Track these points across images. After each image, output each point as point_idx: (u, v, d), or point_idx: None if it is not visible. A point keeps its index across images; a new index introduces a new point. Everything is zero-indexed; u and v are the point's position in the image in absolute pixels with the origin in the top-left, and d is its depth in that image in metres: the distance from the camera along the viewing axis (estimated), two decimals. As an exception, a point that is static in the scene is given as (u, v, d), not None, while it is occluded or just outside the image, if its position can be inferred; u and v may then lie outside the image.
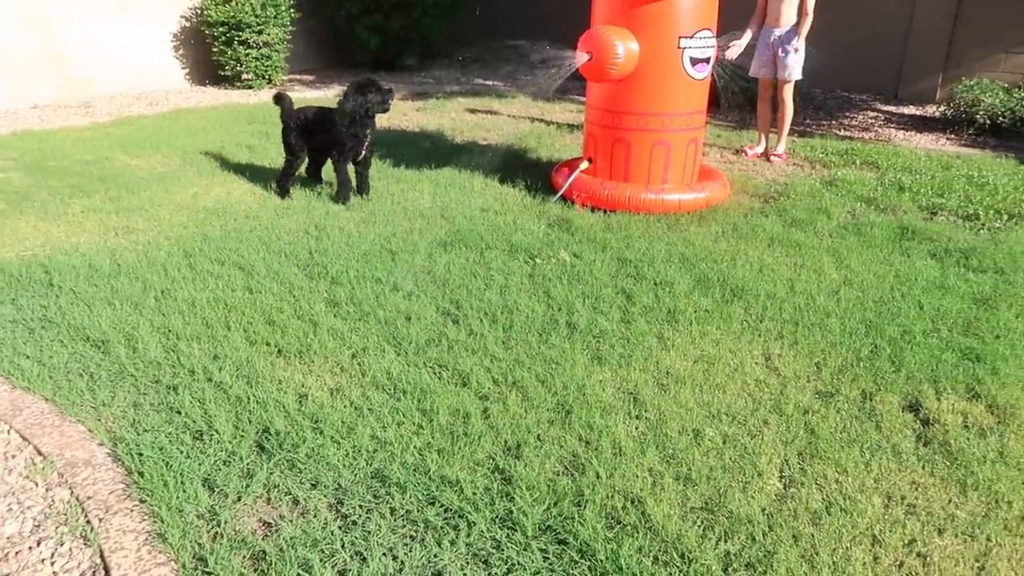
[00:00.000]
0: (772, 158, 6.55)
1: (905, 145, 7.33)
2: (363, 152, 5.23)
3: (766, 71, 6.44)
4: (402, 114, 8.53)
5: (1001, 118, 7.52)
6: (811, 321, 3.59)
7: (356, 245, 4.46)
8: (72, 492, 2.47)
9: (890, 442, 2.73)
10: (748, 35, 6.26)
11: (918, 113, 8.94)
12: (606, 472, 2.52)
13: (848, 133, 7.85)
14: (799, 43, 6.13)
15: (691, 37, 4.92)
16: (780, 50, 6.23)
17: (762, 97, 6.65)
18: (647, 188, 5.09)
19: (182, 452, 2.60)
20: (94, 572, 2.16)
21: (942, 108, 8.39)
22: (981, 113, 7.59)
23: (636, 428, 2.78)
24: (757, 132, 6.93)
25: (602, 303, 3.75)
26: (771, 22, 6.27)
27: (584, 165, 5.36)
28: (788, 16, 6.17)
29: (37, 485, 2.50)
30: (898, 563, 2.18)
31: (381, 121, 8.06)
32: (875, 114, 8.88)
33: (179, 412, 2.82)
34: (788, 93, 6.40)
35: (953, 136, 7.74)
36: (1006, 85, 7.94)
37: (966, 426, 2.83)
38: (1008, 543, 2.26)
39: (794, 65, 6.23)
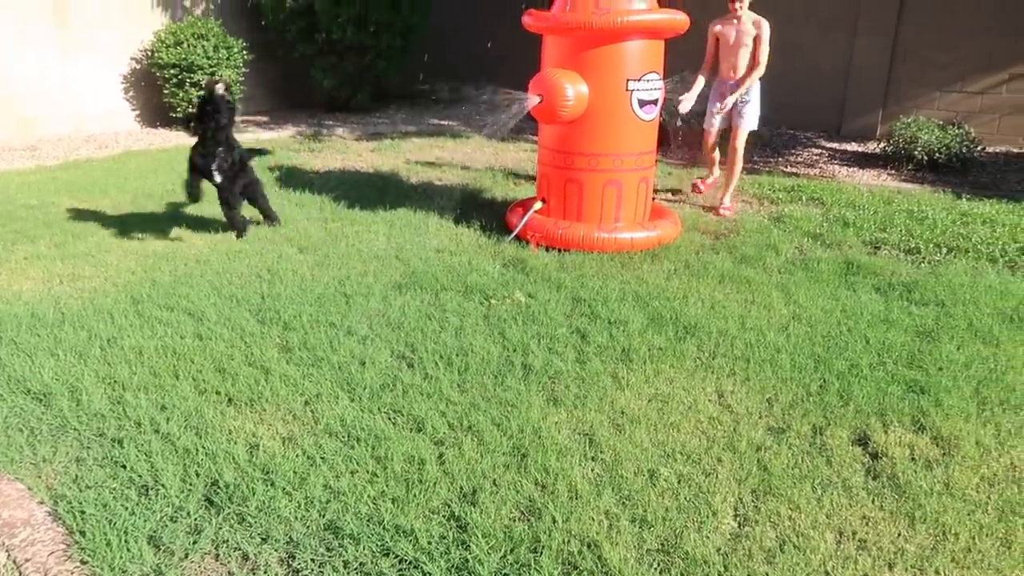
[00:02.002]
0: (721, 211, 6.21)
1: (848, 181, 7.57)
2: (215, 176, 5.05)
3: (719, 122, 6.30)
4: (356, 155, 8.54)
5: (937, 154, 7.82)
6: (762, 357, 3.65)
7: (310, 289, 4.42)
8: (9, 555, 2.37)
9: (841, 477, 2.77)
10: (699, 83, 6.15)
11: (860, 150, 9.25)
12: (562, 516, 2.51)
13: (794, 170, 8.08)
14: (751, 94, 6.05)
15: (639, 80, 5.04)
16: (739, 101, 6.08)
17: (707, 144, 6.51)
18: (600, 227, 5.16)
19: (127, 509, 2.52)
20: (31, 640, 2.07)
21: (882, 144, 8.70)
22: (919, 150, 7.89)
23: (592, 470, 2.79)
24: (707, 167, 6.84)
25: (557, 343, 3.76)
26: (725, 73, 6.15)
27: (538, 205, 5.42)
28: (743, 68, 6.05)
29: (-29, 549, 2.40)
30: (851, 599, 2.20)
31: (335, 162, 8.07)
32: (819, 151, 9.17)
33: (124, 466, 2.74)
34: (741, 141, 6.22)
35: (894, 172, 8.02)
36: (941, 122, 8.27)
37: (913, 459, 2.89)
38: (956, 575, 2.30)
39: (750, 115, 6.15)
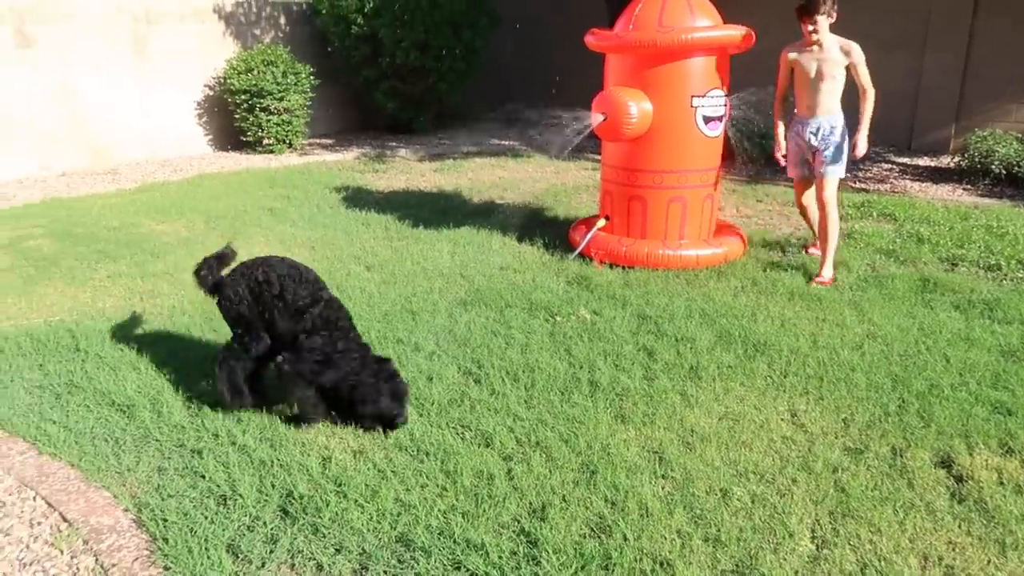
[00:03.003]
0: (816, 280, 4.89)
1: (921, 196, 7.34)
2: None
3: (802, 171, 5.16)
4: (420, 175, 8.68)
5: (1017, 168, 7.52)
6: (836, 376, 3.55)
7: (377, 306, 4.49)
8: (97, 560, 2.46)
9: (923, 500, 2.67)
10: (780, 129, 5.20)
11: (933, 164, 8.97)
12: (633, 534, 2.48)
13: (864, 186, 7.87)
14: (836, 132, 4.92)
15: (703, 96, 5.00)
16: (821, 145, 4.94)
17: (799, 198, 5.34)
18: (664, 244, 5.12)
19: (206, 517, 2.59)
20: (118, 643, 2.14)
21: (956, 159, 8.41)
22: (996, 163, 7.61)
23: (662, 488, 2.75)
24: (809, 227, 5.52)
25: (623, 360, 3.74)
26: (803, 111, 5.04)
27: (601, 223, 5.41)
28: (827, 105, 4.93)
29: (62, 553, 2.50)
30: (939, 627, 2.11)
31: (399, 183, 8.22)
32: (890, 166, 8.92)
33: (203, 476, 2.82)
34: (831, 193, 4.93)
35: (969, 186, 7.74)
36: (1019, 135, 7.97)
37: (1001, 483, 2.76)
38: (1053, 605, 2.19)
39: (837, 158, 4.91)
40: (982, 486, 2.73)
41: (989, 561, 2.37)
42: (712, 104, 5.06)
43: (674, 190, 5.12)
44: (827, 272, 4.94)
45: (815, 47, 4.88)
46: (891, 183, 8.02)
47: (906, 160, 9.24)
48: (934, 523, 2.55)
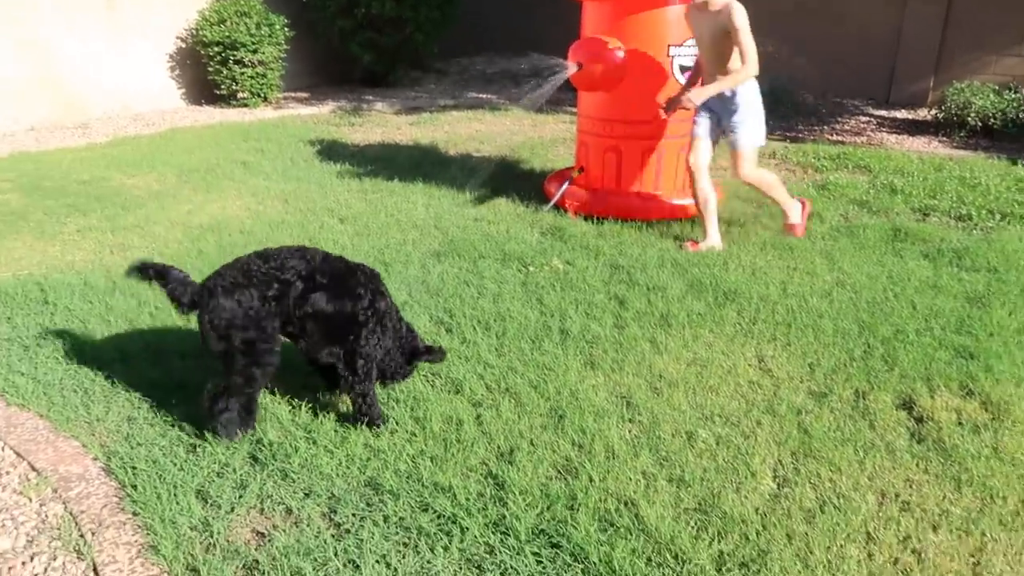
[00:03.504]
0: (790, 227, 4.81)
1: (897, 148, 7.36)
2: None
3: (698, 129, 4.70)
4: (396, 128, 8.57)
5: (992, 120, 7.54)
6: (804, 323, 3.59)
7: (350, 257, 4.45)
8: (66, 507, 2.47)
9: (884, 440, 2.73)
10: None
11: (910, 117, 8.97)
12: (599, 475, 2.51)
13: (840, 138, 7.88)
14: (740, 101, 4.48)
15: (680, 45, 4.95)
16: (724, 116, 4.58)
17: (687, 155, 4.76)
18: (639, 195, 5.11)
19: (175, 465, 2.60)
20: (87, 585, 2.16)
21: (934, 111, 8.42)
22: (972, 115, 7.62)
23: (629, 431, 2.79)
24: (701, 219, 4.76)
25: (595, 309, 3.75)
26: (704, 76, 4.69)
27: (576, 173, 5.38)
28: (723, 72, 4.45)
29: (31, 500, 2.50)
30: (893, 560, 2.18)
31: (374, 136, 8.12)
32: (867, 119, 8.92)
33: (172, 425, 2.82)
34: (749, 170, 4.63)
35: (945, 139, 7.77)
36: (996, 87, 7.97)
37: (960, 423, 2.82)
38: (1003, 538, 2.26)
39: (746, 130, 4.53)
40: (941, 427, 2.79)
41: (944, 497, 2.43)
42: (689, 54, 5.01)
43: (649, 140, 5.09)
44: (794, 216, 4.79)
45: (706, 6, 4.36)
46: (868, 135, 8.03)
47: (884, 113, 9.24)
48: (893, 462, 2.61)
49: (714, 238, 4.65)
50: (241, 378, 2.64)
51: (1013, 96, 7.70)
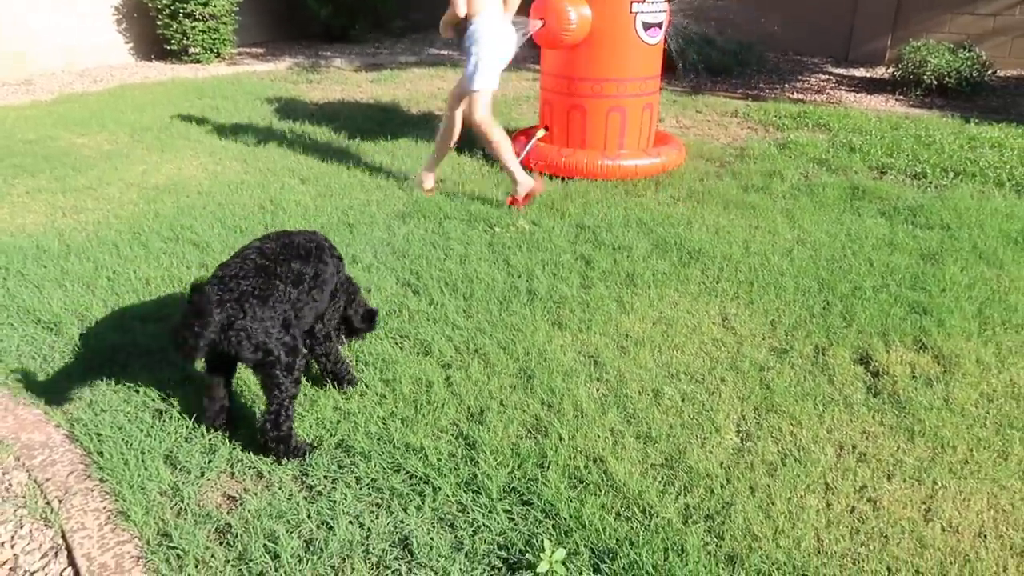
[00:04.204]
0: (511, 201, 4.62)
1: (856, 107, 7.45)
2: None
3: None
4: (356, 86, 8.40)
5: (947, 78, 7.67)
6: (766, 281, 3.66)
7: (313, 219, 4.41)
8: (30, 475, 2.43)
9: (842, 394, 2.81)
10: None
11: (868, 75, 9.08)
12: (568, 434, 2.56)
13: (801, 96, 7.94)
14: (471, 42, 4.45)
15: (643, 2, 4.91)
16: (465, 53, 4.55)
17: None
18: (604, 154, 5.11)
19: (142, 431, 2.58)
20: (56, 552, 2.14)
21: (891, 70, 8.53)
22: (928, 74, 7.74)
23: (597, 390, 2.83)
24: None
25: (561, 269, 3.77)
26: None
27: (541, 133, 5.36)
28: (472, 9, 4.40)
29: (-7, 470, 2.46)
30: (849, 508, 2.26)
31: (334, 94, 7.95)
32: (827, 77, 9.00)
33: (137, 391, 2.78)
34: (478, 116, 4.54)
35: (902, 97, 7.89)
36: (951, 45, 8.09)
37: (914, 376, 2.92)
38: (953, 485, 2.36)
39: (471, 76, 4.48)
40: (896, 380, 2.88)
41: (898, 448, 2.53)
42: (652, 11, 4.98)
43: (613, 99, 5.07)
44: (521, 189, 4.54)
45: None
46: (827, 94, 8.11)
47: (843, 71, 9.33)
48: (850, 415, 2.70)
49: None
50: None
51: (967, 55, 7.83)
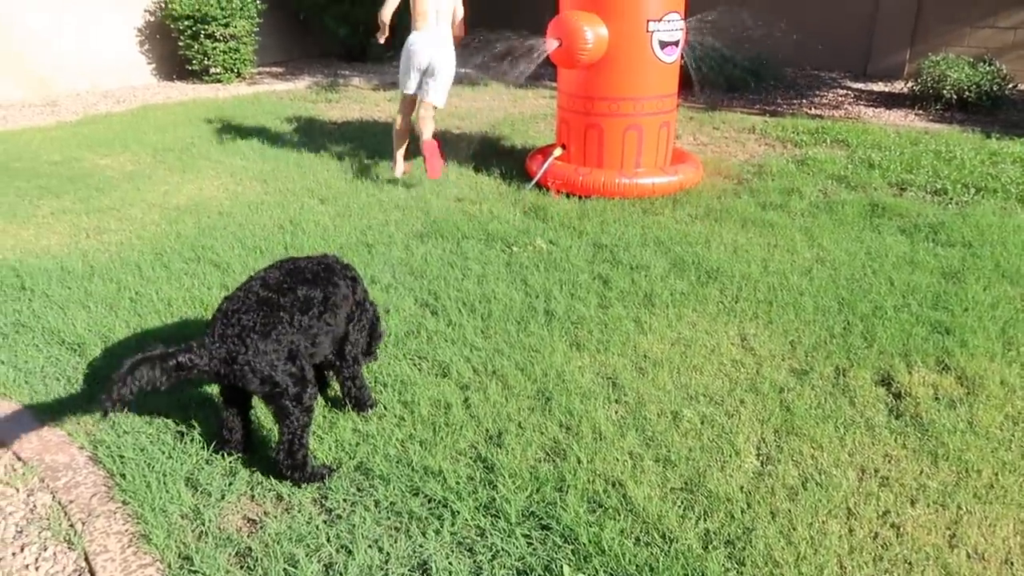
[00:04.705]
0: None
1: (874, 122, 7.42)
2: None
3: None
4: (374, 104, 8.48)
5: (967, 93, 7.62)
6: (785, 300, 3.64)
7: (332, 239, 4.44)
8: (54, 496, 2.46)
9: (863, 416, 2.78)
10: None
11: (887, 90, 9.04)
12: (587, 457, 2.55)
13: (819, 112, 7.92)
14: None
15: (659, 20, 4.93)
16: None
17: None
18: (621, 173, 5.12)
19: (164, 453, 2.60)
20: (79, 575, 2.16)
21: (910, 84, 8.49)
22: (948, 88, 7.69)
23: (616, 412, 2.82)
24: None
25: (579, 289, 3.77)
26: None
27: (558, 152, 5.38)
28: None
29: (18, 491, 2.49)
30: (872, 534, 2.24)
31: (352, 112, 8.03)
32: (845, 92, 8.97)
33: (159, 413, 2.81)
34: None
35: (921, 112, 7.84)
36: (971, 59, 8.04)
37: (936, 398, 2.89)
38: (978, 511, 2.32)
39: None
40: (918, 402, 2.85)
41: (922, 471, 2.50)
42: (668, 29, 5.00)
43: (630, 117, 5.09)
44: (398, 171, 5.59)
45: None
46: (845, 109, 8.08)
47: (861, 86, 9.29)
48: (872, 438, 2.67)
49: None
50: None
51: (987, 68, 7.78)
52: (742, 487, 2.42)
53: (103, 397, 2.17)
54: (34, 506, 2.43)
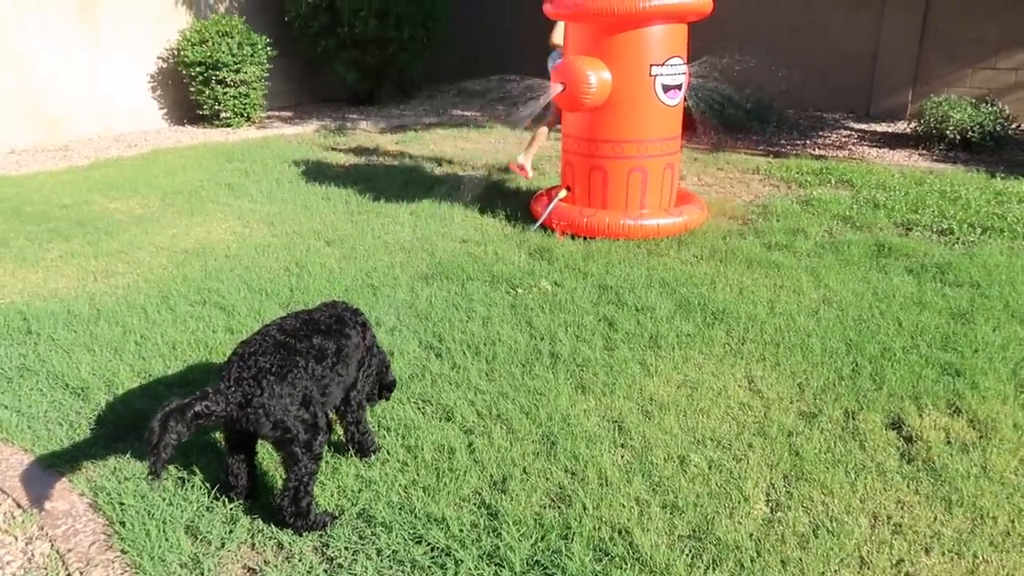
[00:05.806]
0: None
1: (879, 162, 7.44)
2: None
3: None
4: (381, 147, 8.57)
5: (970, 133, 7.65)
6: (792, 342, 3.61)
7: (337, 281, 4.45)
8: (52, 545, 2.43)
9: (874, 461, 2.74)
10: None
11: (890, 130, 9.09)
12: (592, 503, 2.51)
13: (822, 152, 7.96)
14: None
15: (662, 65, 4.99)
16: None
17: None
18: (625, 214, 5.13)
19: (164, 499, 2.57)
20: (75, 628, 2.12)
21: (913, 124, 8.54)
22: (951, 128, 7.73)
23: (621, 457, 2.78)
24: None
25: (584, 331, 3.76)
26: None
27: (563, 194, 5.41)
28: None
29: (16, 539, 2.46)
30: (886, 584, 2.18)
31: (360, 156, 8.12)
32: (848, 132, 9.02)
33: (161, 458, 2.78)
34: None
35: (925, 152, 7.87)
36: (973, 100, 8.09)
37: (948, 442, 2.84)
38: (995, 559, 2.27)
39: None
40: (930, 446, 2.80)
41: (936, 518, 2.45)
42: (671, 73, 5.06)
43: (634, 160, 5.12)
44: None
45: None
46: (849, 149, 8.12)
47: (864, 126, 9.35)
48: (884, 483, 2.62)
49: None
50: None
51: (990, 109, 7.83)
52: (751, 534, 2.37)
53: (149, 467, 2.14)
54: (32, 555, 2.39)
